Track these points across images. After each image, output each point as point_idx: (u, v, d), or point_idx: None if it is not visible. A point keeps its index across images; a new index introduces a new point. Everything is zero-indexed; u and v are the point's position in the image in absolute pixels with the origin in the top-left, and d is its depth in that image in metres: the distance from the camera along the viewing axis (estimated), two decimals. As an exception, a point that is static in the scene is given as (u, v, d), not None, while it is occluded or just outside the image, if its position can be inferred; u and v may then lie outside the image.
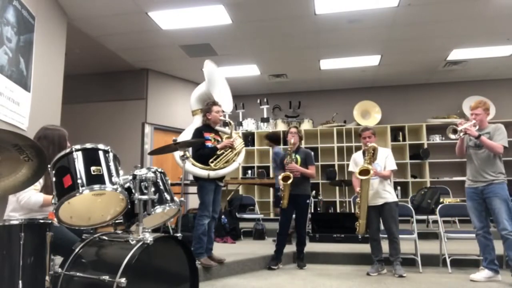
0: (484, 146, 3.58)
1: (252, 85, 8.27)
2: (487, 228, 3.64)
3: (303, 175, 4.26)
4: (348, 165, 7.73)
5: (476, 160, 3.68)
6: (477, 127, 3.64)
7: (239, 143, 4.02)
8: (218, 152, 3.79)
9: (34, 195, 2.44)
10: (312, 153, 4.56)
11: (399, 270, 3.86)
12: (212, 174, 3.72)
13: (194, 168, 3.74)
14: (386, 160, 4.05)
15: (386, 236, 4.02)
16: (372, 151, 3.90)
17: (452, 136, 3.61)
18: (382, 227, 4.09)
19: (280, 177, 4.17)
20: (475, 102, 3.76)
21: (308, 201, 4.40)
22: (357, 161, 4.20)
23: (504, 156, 3.69)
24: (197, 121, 4.30)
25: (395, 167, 4.10)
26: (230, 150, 3.86)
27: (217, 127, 4.03)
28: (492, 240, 3.62)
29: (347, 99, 8.34)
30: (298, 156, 4.31)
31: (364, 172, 3.83)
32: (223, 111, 4.02)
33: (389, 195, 4.01)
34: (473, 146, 3.72)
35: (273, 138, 5.87)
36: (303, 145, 4.95)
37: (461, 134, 3.59)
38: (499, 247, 3.63)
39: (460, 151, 3.81)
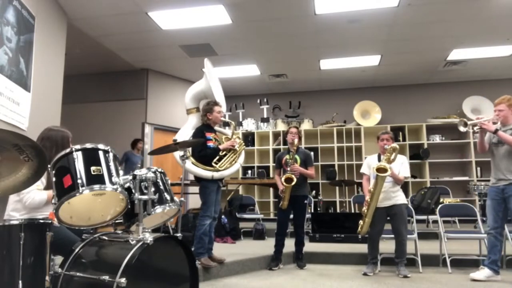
0: (503, 140, 3.46)
1: (252, 85, 8.27)
2: (500, 229, 3.57)
3: (303, 176, 4.27)
4: (348, 165, 7.91)
5: (497, 156, 3.59)
6: (498, 123, 3.54)
7: (239, 144, 4.02)
8: (221, 153, 3.78)
9: (37, 194, 2.46)
10: (312, 153, 4.55)
11: (403, 271, 3.85)
12: (217, 175, 3.71)
13: (197, 169, 3.71)
14: (401, 166, 4.02)
15: (392, 236, 4.02)
16: (393, 151, 3.85)
17: (461, 128, 3.53)
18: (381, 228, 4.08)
19: (282, 179, 4.16)
20: (499, 98, 3.60)
21: (306, 201, 4.41)
22: (370, 164, 4.13)
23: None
24: (192, 121, 4.26)
25: (408, 175, 4.10)
26: (232, 151, 3.87)
27: (216, 128, 4.02)
28: (502, 241, 3.60)
29: (347, 99, 8.33)
30: (297, 157, 4.30)
31: (382, 170, 3.77)
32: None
33: (400, 197, 3.99)
34: (495, 143, 3.60)
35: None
36: (302, 145, 4.94)
37: (475, 128, 3.49)
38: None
39: (480, 147, 3.70)
